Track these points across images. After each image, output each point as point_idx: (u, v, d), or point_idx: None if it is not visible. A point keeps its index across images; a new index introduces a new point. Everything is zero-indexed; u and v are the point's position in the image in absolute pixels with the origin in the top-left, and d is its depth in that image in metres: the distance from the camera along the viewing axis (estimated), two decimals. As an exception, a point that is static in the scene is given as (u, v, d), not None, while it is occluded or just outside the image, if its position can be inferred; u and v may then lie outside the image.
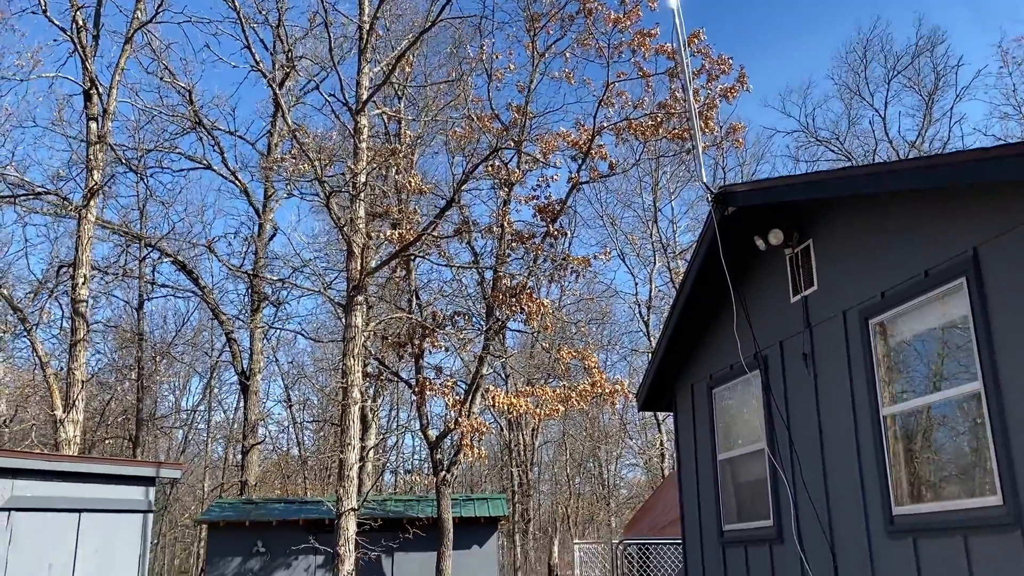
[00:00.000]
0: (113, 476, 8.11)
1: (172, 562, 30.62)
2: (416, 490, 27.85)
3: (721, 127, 14.54)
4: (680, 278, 8.50)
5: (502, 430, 28.02)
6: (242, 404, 21.56)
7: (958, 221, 5.23)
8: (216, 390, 29.95)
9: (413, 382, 15.77)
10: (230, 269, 12.42)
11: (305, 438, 32.71)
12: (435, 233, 12.22)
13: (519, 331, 16.68)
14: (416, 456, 32.61)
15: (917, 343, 5.71)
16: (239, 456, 22.18)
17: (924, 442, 5.65)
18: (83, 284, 12.41)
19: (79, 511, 7.74)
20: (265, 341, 22.61)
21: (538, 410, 15.63)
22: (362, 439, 24.37)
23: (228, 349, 22.28)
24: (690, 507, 8.78)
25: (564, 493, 33.47)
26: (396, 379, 17.43)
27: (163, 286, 19.72)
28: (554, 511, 36.73)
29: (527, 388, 16.21)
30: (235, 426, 26.74)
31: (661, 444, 22.90)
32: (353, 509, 9.53)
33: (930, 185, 5.19)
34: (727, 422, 8.19)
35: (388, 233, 13.64)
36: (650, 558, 12.55)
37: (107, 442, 22.92)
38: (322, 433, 31.43)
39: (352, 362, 9.83)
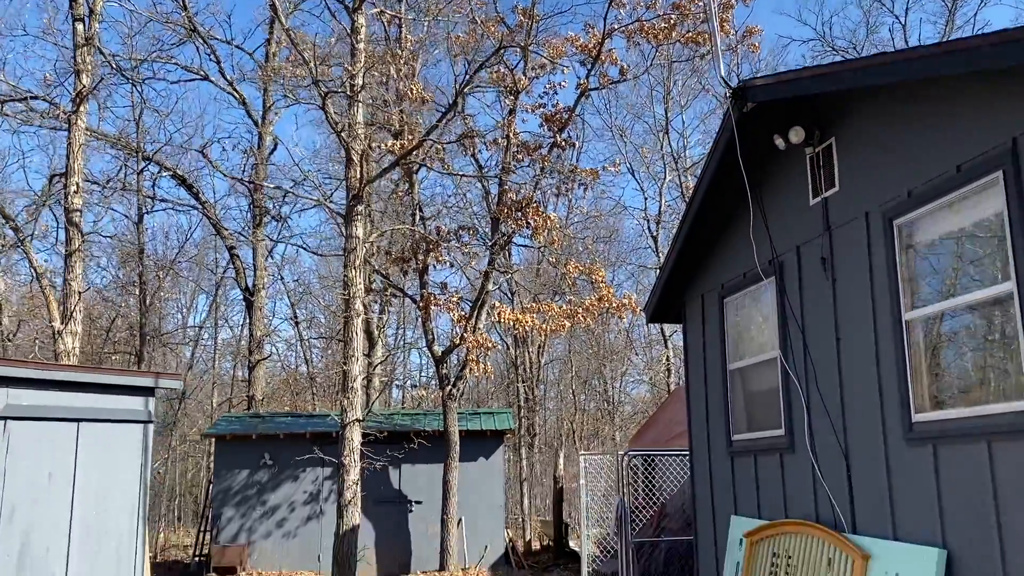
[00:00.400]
0: (112, 386, 7.97)
1: (184, 476, 31.17)
2: (424, 406, 28.09)
3: (736, 31, 13.91)
4: (691, 192, 8.16)
5: (508, 348, 28.02)
6: (247, 320, 21.49)
7: (995, 110, 4.85)
8: (223, 308, 30.00)
9: (418, 298, 15.59)
10: (223, 175, 12.07)
11: (313, 355, 32.88)
12: (437, 140, 11.80)
13: (525, 246, 16.45)
14: (423, 373, 32.79)
15: (944, 244, 5.40)
16: (246, 372, 22.22)
17: (948, 347, 5.41)
18: (76, 193, 12.09)
19: (77, 421, 7.61)
20: (269, 258, 22.41)
21: (544, 326, 15.50)
22: (368, 355, 24.44)
23: (231, 265, 22.09)
24: (698, 418, 8.64)
25: (569, 409, 33.76)
26: (400, 295, 17.25)
27: (163, 200, 19.40)
28: (560, 426, 37.15)
29: (533, 304, 16.03)
30: (242, 343, 26.79)
31: (667, 360, 22.85)
32: (358, 420, 9.43)
33: (966, 69, 4.79)
34: (738, 332, 7.96)
35: (389, 143, 13.23)
36: (655, 469, 12.52)
37: (113, 358, 23.00)
38: (329, 350, 31.56)
39: (353, 274, 9.59)
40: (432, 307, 14.99)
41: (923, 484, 5.23)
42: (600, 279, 14.42)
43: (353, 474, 9.17)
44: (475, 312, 15.73)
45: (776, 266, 7.06)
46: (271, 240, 20.17)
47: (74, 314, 11.56)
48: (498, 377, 39.57)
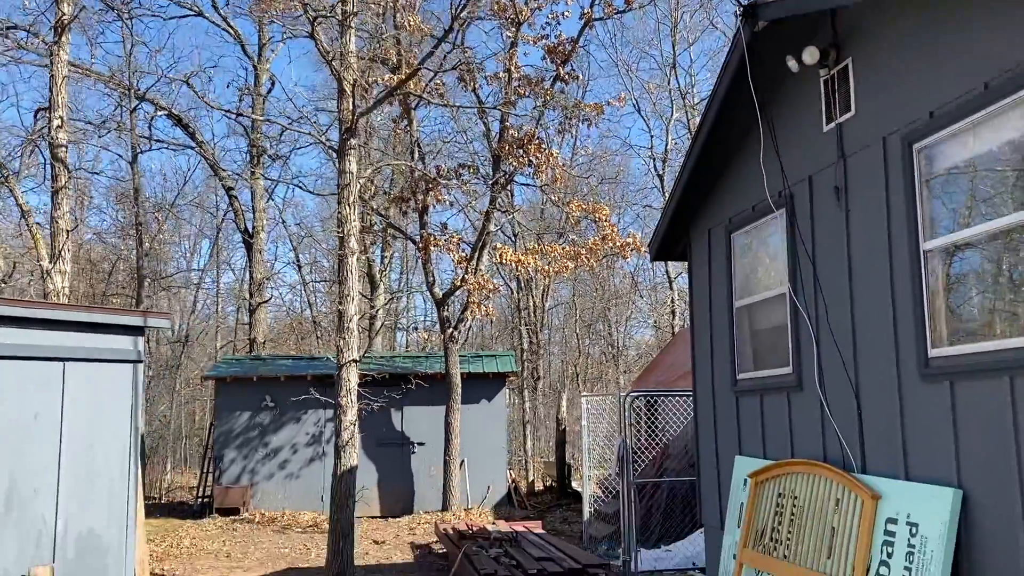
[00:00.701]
0: (98, 325, 7.74)
1: (190, 418, 31.32)
2: (427, 349, 28.00)
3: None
4: (698, 123, 7.77)
5: (512, 292, 27.81)
6: (248, 263, 21.24)
7: (1030, 21, 4.46)
8: (225, 251, 29.76)
9: (417, 239, 15.28)
10: (210, 106, 11.65)
11: (316, 299, 32.72)
12: (434, 68, 11.34)
13: (527, 185, 16.08)
14: (427, 318, 32.63)
15: (968, 168, 5.06)
16: (248, 316, 22.06)
17: (968, 279, 5.10)
18: (60, 128, 11.69)
19: (63, 360, 7.41)
20: (269, 200, 22.07)
21: (547, 267, 15.24)
22: (370, 299, 24.25)
23: (230, 208, 21.77)
24: (702, 357, 8.40)
25: (573, 353, 33.69)
26: (400, 235, 16.95)
27: (158, 141, 18.99)
28: (563, 370, 37.18)
29: (536, 246, 15.72)
30: (244, 286, 26.61)
31: (672, 302, 22.58)
32: (354, 361, 9.22)
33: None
34: (745, 267, 7.66)
35: (387, 77, 12.78)
36: (657, 411, 12.37)
37: (114, 301, 22.85)
38: (332, 294, 31.37)
39: (348, 211, 9.28)
40: (432, 248, 14.69)
41: (938, 422, 4.98)
42: (604, 218, 14.08)
43: (350, 415, 8.99)
44: (476, 253, 15.44)
45: (786, 197, 6.72)
46: (268, 179, 19.81)
47: (63, 253, 11.29)
48: (502, 322, 39.48)
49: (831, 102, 6.22)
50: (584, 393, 12.05)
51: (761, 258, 7.49)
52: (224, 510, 15.59)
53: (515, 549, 9.56)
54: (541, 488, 19.63)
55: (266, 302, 20.74)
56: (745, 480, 7.13)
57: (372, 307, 23.47)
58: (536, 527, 11.83)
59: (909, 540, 5.02)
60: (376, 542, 12.64)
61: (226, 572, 10.54)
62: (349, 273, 9.35)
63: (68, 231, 11.61)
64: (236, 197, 21.04)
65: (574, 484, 17.79)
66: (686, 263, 9.09)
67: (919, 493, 5.06)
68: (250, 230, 20.55)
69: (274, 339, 31.23)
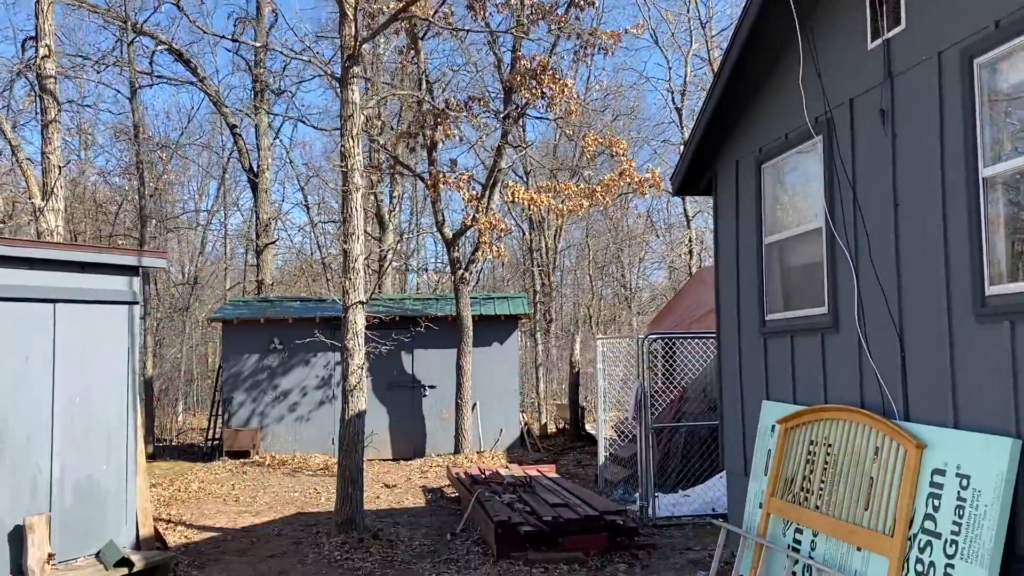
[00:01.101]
0: (90, 264, 7.35)
1: (203, 361, 31.25)
2: (439, 291, 27.63)
3: None
4: (726, 49, 7.17)
5: (524, 234, 27.32)
6: (253, 203, 20.79)
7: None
8: (232, 193, 29.28)
9: (426, 176, 14.75)
10: (204, 31, 11.03)
11: (326, 241, 32.30)
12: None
13: (540, 118, 15.43)
14: (438, 260, 32.18)
15: (1038, 84, 4.52)
16: (254, 256, 21.69)
17: (1034, 208, 4.61)
18: (47, 57, 11.13)
19: (53, 301, 7.03)
20: (276, 139, 21.49)
21: (561, 206, 14.72)
22: (380, 240, 23.82)
23: (235, 146, 21.23)
24: (727, 297, 7.95)
25: (586, 295, 33.30)
26: (408, 173, 16.42)
27: (158, 77, 18.39)
28: (576, 313, 36.84)
29: (549, 184, 15.17)
30: (251, 227, 26.20)
31: (689, 242, 22.02)
32: (361, 302, 8.82)
33: None
34: (777, 201, 7.16)
35: (391, 5, 12.12)
36: (675, 353, 11.98)
37: (120, 242, 22.50)
38: (342, 235, 30.98)
39: (351, 144, 8.77)
40: (441, 186, 14.18)
41: (995, 366, 4.54)
42: (621, 152, 13.49)
43: (357, 359, 8.63)
44: (487, 191, 14.92)
45: (825, 123, 6.19)
46: (270, 114, 19.18)
47: (55, 191, 10.85)
48: (513, 264, 39.04)
49: (878, 15, 5.64)
50: (599, 335, 11.65)
51: (794, 190, 6.99)
52: (234, 453, 15.44)
53: (529, 495, 9.28)
54: (554, 431, 19.42)
55: (272, 243, 20.35)
56: (773, 426, 6.75)
57: (381, 248, 23.05)
58: (550, 471, 11.57)
59: (959, 493, 4.63)
60: (387, 486, 12.45)
61: (234, 516, 10.34)
62: (354, 210, 8.89)
63: (60, 167, 11.15)
64: (240, 135, 20.49)
65: (588, 427, 17.55)
66: (710, 198, 8.59)
67: (971, 443, 4.65)
68: (255, 169, 20.05)
69: (284, 282, 30.96)
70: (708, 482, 10.49)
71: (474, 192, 14.68)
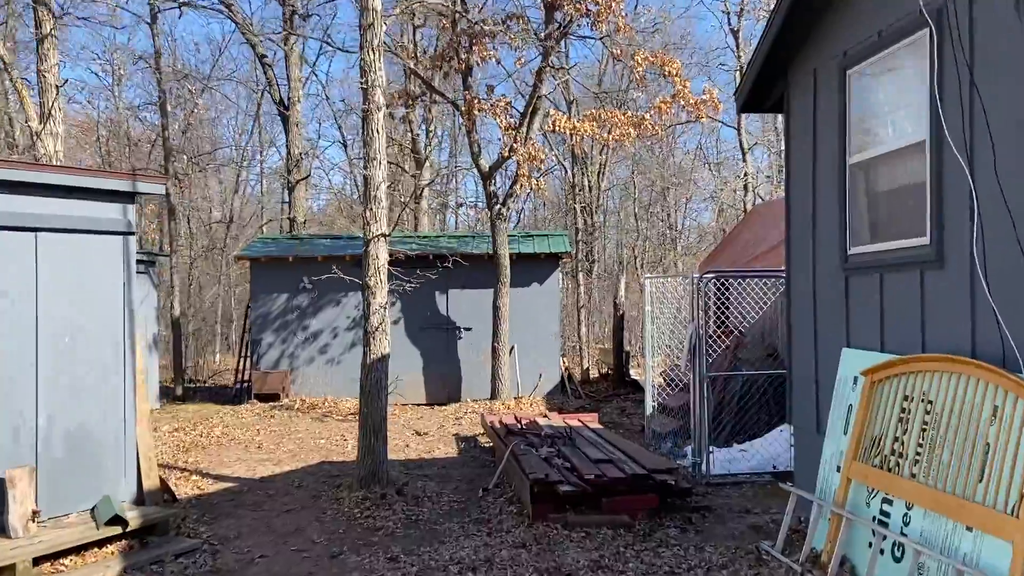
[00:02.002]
0: (78, 189, 6.54)
1: (240, 301, 30.95)
2: (477, 229, 26.70)
3: None
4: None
5: (566, 172, 26.13)
6: (284, 138, 19.95)
7: None
8: (270, 133, 28.49)
9: (461, 103, 13.70)
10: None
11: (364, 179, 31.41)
12: None
13: (585, 38, 14.19)
14: (477, 200, 31.14)
15: None
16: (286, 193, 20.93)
17: None
18: (39, -37, 10.27)
19: (34, 230, 6.26)
20: (312, 74, 20.49)
21: (606, 136, 13.60)
22: (416, 176, 22.88)
23: (264, 76, 20.32)
24: (800, 227, 6.90)
25: (631, 235, 32.14)
26: (441, 99, 15.36)
27: (183, 3, 17.41)
28: (619, 255, 35.76)
29: (592, 111, 14.02)
30: (279, 162, 25.45)
31: (744, 176, 20.65)
32: (383, 235, 7.94)
33: None
34: (866, 112, 6.04)
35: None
36: (729, 294, 10.94)
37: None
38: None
39: (371, 56, 7.79)
40: (476, 112, 13.12)
41: None
42: (675, 72, 12.27)
43: (379, 297, 7.79)
44: (526, 119, 13.84)
45: (935, 12, 5.03)
46: (294, 35, 18.10)
47: (52, 113, 10.07)
48: (554, 205, 37.90)
49: None
50: (647, 274, 10.65)
51: (889, 98, 5.85)
52: (263, 396, 14.89)
53: (569, 448, 8.44)
54: (596, 376, 18.58)
55: (304, 179, 19.54)
56: (856, 378, 5.76)
57: (417, 185, 22.14)
58: (592, 421, 10.72)
59: (1118, 469, 3.63)
60: (418, 433, 11.73)
61: (254, 465, 9.71)
62: (375, 132, 7.94)
63: (57, 87, 10.33)
64: (271, 66, 19.55)
65: (632, 373, 16.67)
66: (781, 115, 7.47)
67: None
68: (286, 102, 19.15)
69: (325, 223, 30.27)
70: (767, 436, 9.55)
71: (512, 120, 13.62)
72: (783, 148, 7.38)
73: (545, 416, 10.96)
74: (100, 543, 6.13)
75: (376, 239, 8.03)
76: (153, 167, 23.36)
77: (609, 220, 34.10)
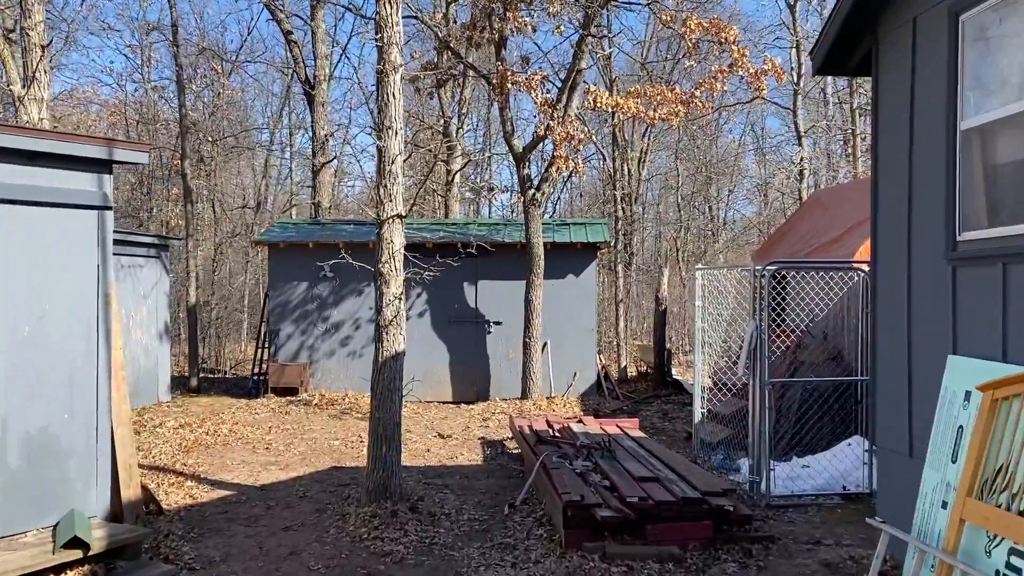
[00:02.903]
0: (43, 155, 5.64)
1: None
2: (512, 217, 25.67)
3: None
4: None
5: (604, 160, 24.98)
6: (310, 119, 19.07)
7: None
8: (296, 115, 27.69)
9: (493, 77, 12.65)
10: None
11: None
12: None
13: (631, 2, 13.02)
14: (513, 186, 29.91)
15: None
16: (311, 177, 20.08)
17: None
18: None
19: (-11, 201, 5.36)
20: (340, 54, 19.63)
21: (652, 113, 12.50)
22: (447, 162, 21.90)
23: (289, 54, 19.47)
24: (892, 210, 5.77)
25: (671, 228, 30.87)
26: (469, 72, 14.34)
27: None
28: (657, 248, 34.53)
29: (639, 87, 12.90)
30: (304, 143, 24.64)
31: (801, 160, 19.29)
32: (399, 216, 6.97)
33: None
34: (983, 65, 4.89)
35: None
36: (787, 289, 9.79)
37: (174, 161, 21.14)
38: (415, 159, 29.01)
39: (387, 9, 6.80)
40: (509, 86, 12.08)
41: None
42: (731, 39, 11.10)
43: (394, 287, 6.83)
44: (564, 95, 12.78)
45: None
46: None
47: (36, 76, 9.22)
48: (592, 195, 36.72)
49: None
50: (700, 265, 9.55)
51: (1016, 47, 4.70)
52: (280, 390, 14.04)
53: (608, 461, 7.40)
54: (635, 375, 17.48)
55: (330, 162, 18.68)
56: (968, 393, 4.65)
57: (449, 171, 21.16)
58: (632, 427, 9.67)
59: None
60: (441, 435, 10.77)
61: (258, 470, 8.81)
62: (391, 97, 6.95)
63: (43, 46, 9.47)
64: (296, 42, 18.69)
65: (674, 372, 15.57)
66: (868, 79, 6.33)
67: None
68: (311, 80, 18.28)
69: (356, 212, 29.42)
70: (833, 450, 8.42)
71: (548, 97, 12.57)
72: (869, 122, 6.25)
73: (580, 420, 9.93)
74: (57, 569, 5.23)
75: (391, 221, 7.05)
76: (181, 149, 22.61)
77: (648, 213, 32.86)
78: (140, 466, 8.68)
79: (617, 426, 9.67)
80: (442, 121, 20.90)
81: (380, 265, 7.09)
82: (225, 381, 16.97)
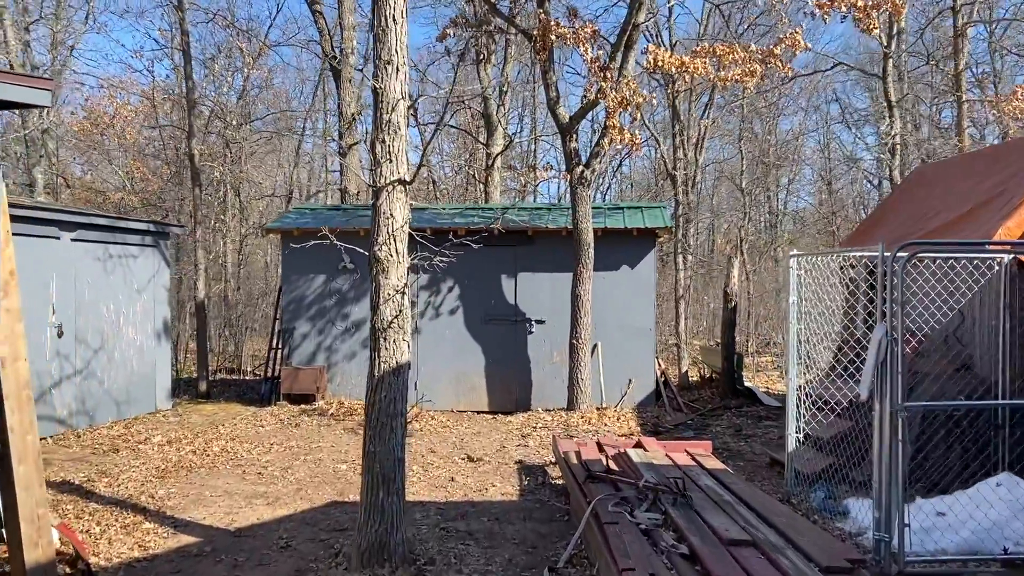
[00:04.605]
0: None
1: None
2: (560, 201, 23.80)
3: None
4: None
5: (659, 145, 22.94)
6: (336, 97, 17.43)
7: None
8: (331, 101, 26.15)
9: (534, 34, 10.78)
10: None
11: (440, 159, 28.87)
12: None
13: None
14: (559, 165, 27.96)
15: None
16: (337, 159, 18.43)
17: None
18: None
19: None
20: (360, 17, 17.96)
21: (721, 75, 10.56)
22: (487, 144, 20.11)
23: (315, 26, 17.85)
24: None
25: (730, 217, 28.71)
26: (507, 25, 12.48)
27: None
28: (712, 241, 32.43)
29: (707, 45, 10.95)
30: (332, 126, 23.03)
31: (892, 135, 16.89)
32: (402, 182, 5.19)
33: None
34: None
35: None
36: (912, 279, 7.76)
37: (205, 162, 19.58)
38: (454, 144, 27.32)
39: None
40: (553, 38, 10.21)
41: None
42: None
43: (394, 276, 5.09)
44: (618, 54, 10.87)
45: None
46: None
47: None
48: (643, 184, 34.65)
49: None
50: (794, 252, 7.57)
51: None
52: (294, 396, 12.41)
53: (682, 510, 5.53)
54: (696, 380, 15.47)
55: (357, 144, 17.02)
56: None
57: (489, 154, 19.36)
58: (705, 453, 7.77)
59: None
60: (470, 458, 8.96)
61: (241, 504, 7.12)
62: (390, 21, 5.18)
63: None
64: (322, 14, 17.07)
65: (746, 380, 13.59)
66: None
67: None
68: (336, 54, 16.64)
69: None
70: (974, 491, 6.42)
71: (601, 54, 10.69)
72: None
73: (639, 444, 8.04)
74: None
75: (390, 189, 5.26)
76: (210, 133, 21.19)
77: (701, 207, 30.75)
78: (97, 499, 7.06)
79: (687, 452, 7.77)
80: (480, 101, 19.11)
81: (376, 248, 5.32)
82: (241, 384, 15.42)
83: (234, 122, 20.31)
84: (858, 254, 6.66)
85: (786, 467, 7.51)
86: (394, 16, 5.23)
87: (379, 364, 5.34)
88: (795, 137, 28.98)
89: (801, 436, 7.42)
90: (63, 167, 21.61)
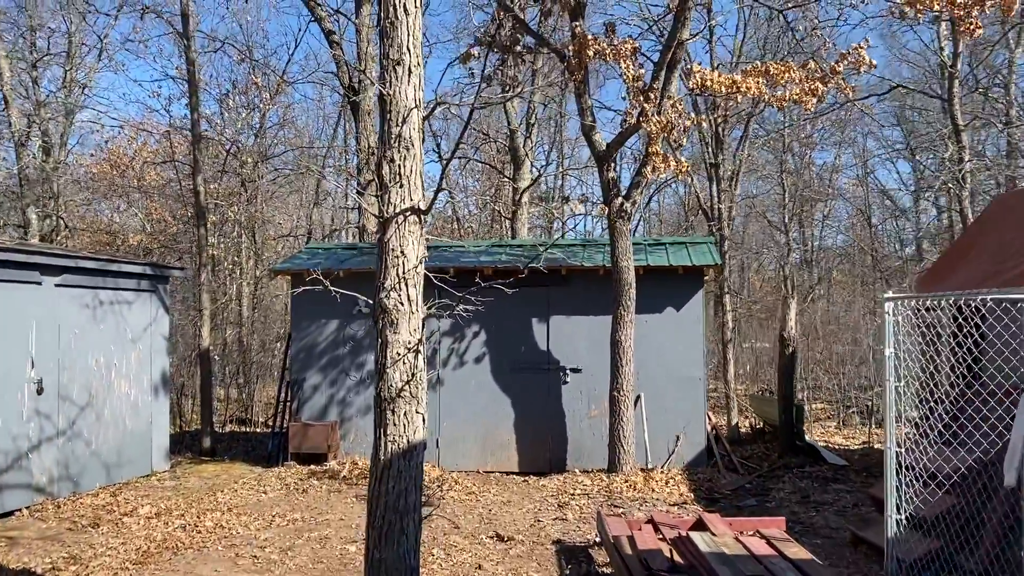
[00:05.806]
0: None
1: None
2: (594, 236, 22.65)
3: None
4: None
5: (692, 180, 21.83)
6: (355, 131, 16.51)
7: None
8: (352, 138, 25.36)
9: (569, 46, 9.72)
10: None
11: (464, 198, 27.91)
12: None
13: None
14: (595, 198, 26.76)
15: None
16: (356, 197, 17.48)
17: None
18: None
19: None
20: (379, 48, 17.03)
21: (777, 96, 9.46)
22: (514, 179, 19.09)
23: (331, 57, 17.02)
24: None
25: (759, 258, 27.39)
26: (538, 44, 11.46)
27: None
28: (743, 280, 31.20)
29: (759, 64, 9.85)
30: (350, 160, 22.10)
31: (960, 162, 15.37)
32: (415, 211, 4.07)
33: None
34: None
35: None
36: (982, 326, 6.49)
37: (218, 198, 18.77)
38: (486, 181, 26.34)
39: None
40: (589, 54, 9.14)
41: None
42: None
43: (406, 331, 3.96)
44: (662, 73, 9.78)
45: None
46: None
47: None
48: (673, 221, 33.49)
49: None
50: (890, 293, 6.33)
51: None
52: (303, 456, 11.25)
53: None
54: (747, 432, 14.09)
55: (373, 180, 16.06)
56: None
57: (516, 189, 18.34)
58: (781, 535, 6.48)
59: None
60: (500, 537, 7.70)
61: (226, 602, 5.92)
62: (400, 11, 4.10)
63: None
64: (338, 43, 16.25)
65: (807, 436, 12.24)
66: None
67: None
68: (354, 85, 15.76)
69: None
70: None
71: (642, 73, 9.61)
72: None
73: (699, 520, 6.77)
74: None
75: (400, 220, 4.15)
76: (225, 172, 20.38)
77: (735, 239, 29.57)
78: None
79: (759, 534, 6.49)
80: (507, 132, 18.13)
81: (382, 295, 4.20)
82: (251, 439, 14.29)
83: (249, 160, 19.46)
84: (997, 296, 5.41)
85: (886, 556, 6.18)
86: (405, 5, 4.16)
87: (386, 445, 4.17)
88: (832, 171, 27.76)
89: (903, 518, 6.11)
90: (73, 208, 20.84)
